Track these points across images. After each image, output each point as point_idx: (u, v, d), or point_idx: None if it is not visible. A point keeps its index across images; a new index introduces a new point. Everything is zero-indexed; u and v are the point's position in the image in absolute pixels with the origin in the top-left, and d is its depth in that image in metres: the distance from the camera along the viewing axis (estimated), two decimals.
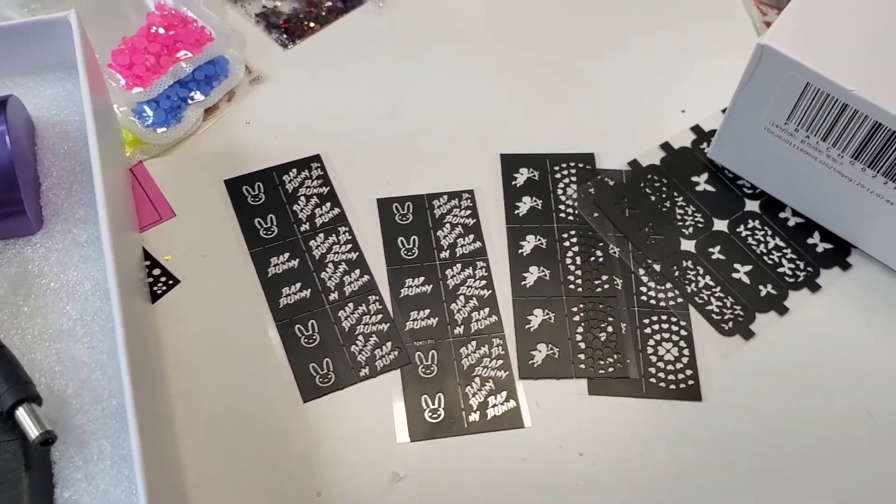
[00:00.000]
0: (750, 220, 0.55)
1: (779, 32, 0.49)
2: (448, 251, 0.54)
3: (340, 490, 0.46)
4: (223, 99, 0.59)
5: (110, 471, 0.38)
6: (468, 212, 0.55)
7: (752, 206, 0.56)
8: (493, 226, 0.55)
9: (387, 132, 0.58)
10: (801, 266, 0.53)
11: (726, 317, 0.52)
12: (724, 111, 0.60)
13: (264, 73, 0.61)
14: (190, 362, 0.49)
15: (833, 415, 0.48)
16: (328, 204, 0.55)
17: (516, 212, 0.55)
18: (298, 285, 0.52)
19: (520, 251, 0.54)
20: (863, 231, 0.53)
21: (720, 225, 0.55)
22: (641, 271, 0.53)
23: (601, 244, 0.54)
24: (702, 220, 0.55)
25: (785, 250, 0.54)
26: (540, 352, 0.50)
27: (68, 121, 0.47)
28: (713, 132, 0.59)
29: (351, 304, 0.51)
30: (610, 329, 0.51)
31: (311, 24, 0.63)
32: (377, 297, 0.52)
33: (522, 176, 0.57)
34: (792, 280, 0.53)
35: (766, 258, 0.54)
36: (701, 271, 0.53)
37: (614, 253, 0.54)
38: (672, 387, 0.49)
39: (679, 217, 0.55)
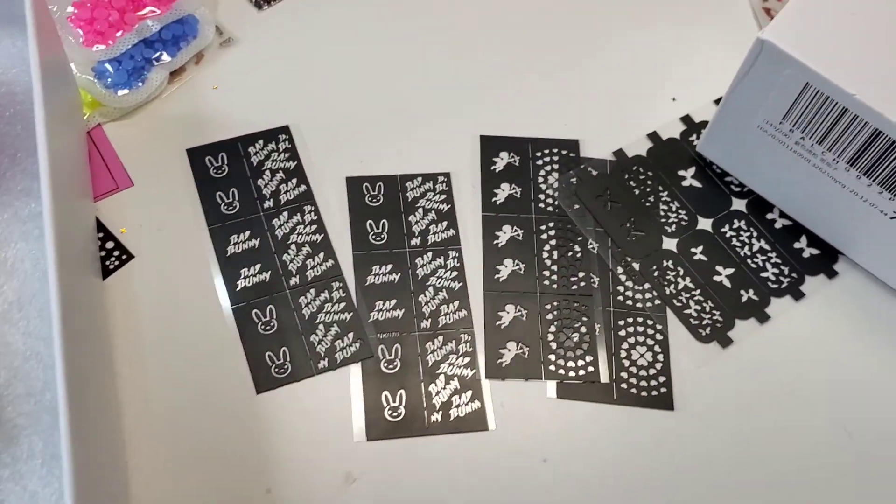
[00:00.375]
0: (736, 220, 0.53)
1: (780, 27, 0.46)
2: (419, 238, 0.51)
3: (290, 488, 0.43)
4: (190, 61, 0.56)
5: (40, 470, 0.35)
6: (443, 196, 0.52)
7: (738, 204, 0.53)
8: (468, 213, 0.52)
9: (362, 105, 0.55)
10: (786, 272, 0.51)
11: (704, 322, 0.49)
12: (716, 102, 0.57)
13: (235, 34, 0.57)
14: (139, 345, 0.46)
15: (809, 432, 0.46)
16: (294, 180, 0.52)
17: (493, 199, 0.53)
18: (258, 267, 0.49)
19: (495, 242, 0.51)
20: (853, 239, 0.50)
21: (704, 223, 0.53)
22: (620, 269, 0.51)
23: (580, 238, 0.51)
24: (686, 217, 0.53)
25: (770, 254, 0.52)
26: (509, 350, 0.48)
27: (16, 81, 0.44)
28: (704, 123, 0.56)
29: (313, 290, 0.49)
30: (583, 329, 0.49)
31: None
32: (341, 284, 0.49)
33: (502, 161, 0.54)
34: (775, 286, 0.51)
35: (749, 261, 0.51)
36: (681, 272, 0.51)
37: (593, 248, 0.51)
38: (644, 394, 0.47)
39: (663, 213, 0.53)
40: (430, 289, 0.49)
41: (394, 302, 0.49)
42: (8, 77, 0.44)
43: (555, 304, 0.49)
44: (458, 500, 0.44)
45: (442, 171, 0.53)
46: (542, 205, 0.52)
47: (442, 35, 0.58)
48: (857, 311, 0.50)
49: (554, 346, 0.48)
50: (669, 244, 0.52)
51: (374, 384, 0.46)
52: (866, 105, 0.44)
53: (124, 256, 0.49)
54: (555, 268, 0.50)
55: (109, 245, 0.49)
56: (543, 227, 0.52)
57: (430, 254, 0.50)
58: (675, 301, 0.50)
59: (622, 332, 0.49)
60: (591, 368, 0.47)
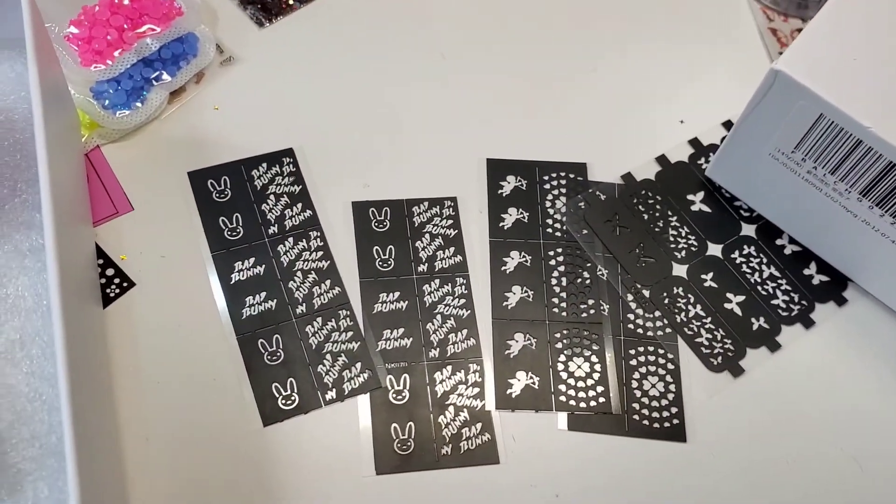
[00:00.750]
0: (745, 246, 0.52)
1: (795, 58, 0.45)
2: (426, 264, 0.50)
3: None
4: (191, 81, 0.55)
5: None
6: (450, 221, 0.51)
7: (748, 230, 0.53)
8: (475, 238, 0.51)
9: (366, 127, 0.54)
10: (796, 299, 0.51)
11: (716, 351, 0.49)
12: (724, 124, 0.57)
13: (237, 53, 0.56)
14: (140, 376, 0.45)
15: (820, 462, 0.46)
16: (300, 205, 0.51)
17: (501, 224, 0.52)
18: (263, 294, 0.48)
19: (503, 268, 0.50)
20: (863, 267, 0.50)
21: (714, 249, 0.52)
22: (630, 297, 0.50)
23: (589, 265, 0.51)
24: (695, 243, 0.52)
25: (780, 280, 0.51)
26: (519, 380, 0.47)
27: (15, 108, 0.43)
28: (712, 146, 0.56)
29: (319, 319, 0.48)
30: (594, 359, 0.48)
31: (291, 1, 0.59)
32: (348, 313, 0.48)
33: (509, 184, 0.53)
34: (786, 314, 0.50)
35: (759, 288, 0.51)
36: (692, 300, 0.50)
37: (602, 275, 0.50)
38: (656, 425, 0.47)
39: (672, 238, 0.52)
40: (438, 317, 0.49)
41: (402, 330, 0.48)
42: (7, 103, 0.42)
43: (564, 332, 0.49)
44: None
45: (448, 195, 0.52)
46: (550, 230, 0.52)
47: (448, 57, 0.57)
48: (866, 339, 0.50)
49: (564, 375, 0.47)
50: (679, 270, 0.51)
51: (383, 416, 0.46)
52: (881, 138, 0.43)
53: (125, 284, 0.48)
54: (564, 295, 0.50)
55: (110, 272, 0.48)
56: (552, 253, 0.51)
57: (437, 280, 0.50)
58: (686, 329, 0.49)
59: (633, 362, 0.48)
60: (602, 399, 0.47)
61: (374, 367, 0.47)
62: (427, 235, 0.51)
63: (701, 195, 0.54)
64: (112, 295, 0.47)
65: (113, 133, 0.52)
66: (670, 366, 0.48)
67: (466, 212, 0.52)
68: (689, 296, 0.50)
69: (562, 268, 0.50)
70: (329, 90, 0.55)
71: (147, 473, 0.43)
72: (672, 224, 0.53)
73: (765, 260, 0.52)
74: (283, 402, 0.46)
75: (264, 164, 0.52)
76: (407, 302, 0.49)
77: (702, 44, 0.60)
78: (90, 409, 0.37)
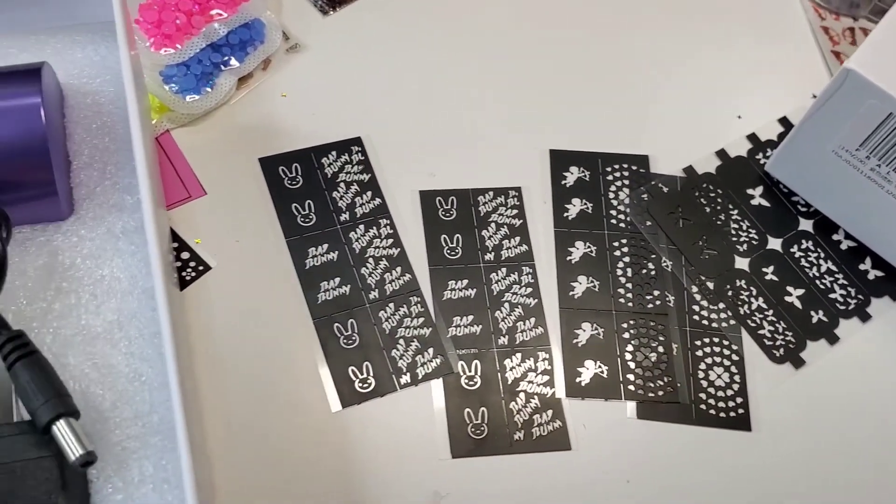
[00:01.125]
0: (803, 241, 0.53)
1: (866, 57, 0.46)
2: (493, 253, 0.51)
3: None
4: (258, 67, 0.55)
5: (152, 495, 0.35)
6: (514, 211, 0.52)
7: (805, 225, 0.54)
8: (539, 228, 0.52)
9: (431, 117, 0.55)
10: (853, 293, 0.52)
11: (778, 342, 0.50)
12: (780, 120, 0.57)
13: (302, 40, 0.57)
14: (219, 359, 0.46)
15: (880, 452, 0.47)
16: (369, 193, 0.52)
17: (565, 214, 0.53)
18: (338, 280, 0.49)
19: (568, 258, 0.51)
20: None
21: (774, 243, 0.53)
22: (694, 288, 0.51)
23: (653, 256, 0.52)
24: (756, 237, 0.53)
25: (837, 275, 0.52)
26: (588, 369, 0.48)
27: (101, 91, 0.43)
28: (769, 142, 0.56)
29: (392, 305, 0.49)
30: (661, 349, 0.49)
31: None
32: (419, 299, 0.49)
33: (573, 175, 0.54)
34: (843, 307, 0.51)
35: (818, 282, 0.52)
36: (754, 292, 0.51)
37: (667, 266, 0.51)
38: (722, 415, 0.47)
39: (734, 232, 0.53)
40: (506, 305, 0.49)
41: (471, 318, 0.49)
42: (93, 86, 0.43)
43: (631, 322, 0.49)
44: None
45: (513, 185, 0.53)
46: (613, 220, 0.52)
47: (513, 49, 0.58)
48: None
49: (632, 365, 0.48)
50: (741, 263, 0.52)
51: (456, 401, 0.46)
52: None
53: (201, 267, 0.48)
54: (629, 285, 0.51)
55: (185, 255, 0.48)
56: (616, 244, 0.52)
57: (504, 269, 0.50)
58: (749, 321, 0.50)
59: (699, 352, 0.49)
60: (670, 389, 0.48)
61: (445, 353, 0.48)
62: (493, 225, 0.52)
63: (760, 189, 0.55)
64: (188, 278, 0.48)
65: (182, 117, 0.53)
66: (735, 357, 0.49)
67: (531, 202, 0.53)
68: (752, 288, 0.51)
69: (627, 258, 0.51)
70: (394, 79, 0.56)
71: (226, 454, 0.43)
72: (733, 217, 0.53)
73: (822, 255, 0.53)
74: (360, 385, 0.46)
75: (334, 152, 0.53)
76: (475, 290, 0.50)
77: (756, 41, 0.60)
78: (188, 390, 0.37)
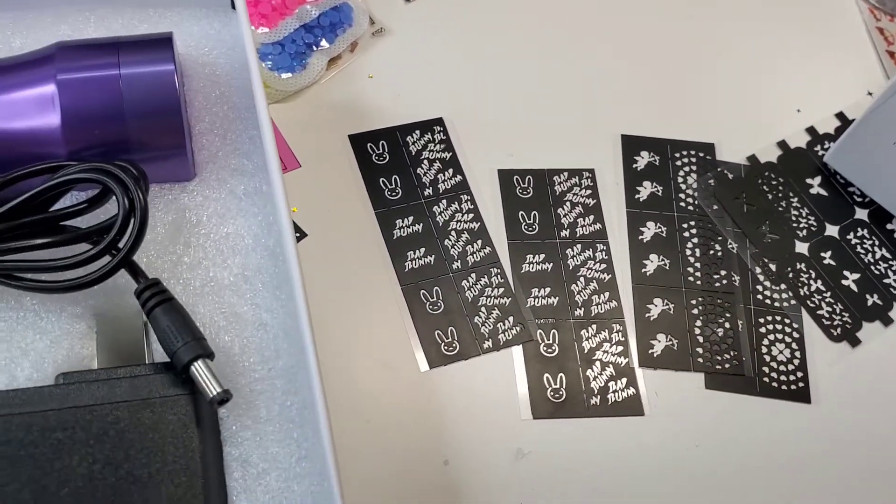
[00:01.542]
0: (859, 229, 0.56)
1: None
2: (568, 230, 0.54)
3: (466, 460, 0.46)
4: (346, 49, 0.58)
5: (278, 433, 0.38)
6: (588, 191, 0.55)
7: (861, 214, 0.57)
8: (612, 208, 0.55)
9: (508, 100, 0.58)
10: None
11: (835, 322, 0.53)
12: (837, 115, 0.60)
13: (387, 25, 0.60)
14: (315, 320, 0.49)
15: None
16: (451, 170, 0.55)
17: (636, 196, 0.55)
18: (423, 250, 0.52)
19: (640, 237, 0.54)
20: None
21: (832, 230, 0.56)
22: (758, 270, 0.54)
23: (720, 238, 0.54)
24: (815, 223, 0.56)
25: (892, 262, 0.55)
26: (659, 342, 0.51)
27: (216, 63, 0.46)
28: (827, 135, 0.59)
29: (473, 275, 0.52)
30: (727, 325, 0.52)
31: None
32: (499, 271, 0.52)
33: (643, 160, 0.57)
34: None
35: (873, 268, 0.55)
36: (813, 275, 0.54)
37: (732, 248, 0.54)
38: (784, 387, 0.50)
39: (794, 218, 0.56)
40: (581, 279, 0.52)
41: (548, 290, 0.52)
42: (210, 58, 0.46)
43: (700, 299, 0.52)
44: (622, 477, 0.47)
45: (586, 167, 0.56)
46: (682, 203, 0.55)
47: (588, 36, 0.61)
48: None
49: (701, 339, 0.51)
50: (801, 248, 0.55)
51: (536, 366, 0.49)
52: None
53: (297, 235, 0.51)
54: (698, 265, 0.53)
55: None
56: (685, 226, 0.55)
57: (579, 246, 0.53)
58: (808, 302, 0.53)
59: (762, 329, 0.52)
60: (735, 362, 0.51)
61: (525, 322, 0.50)
62: (568, 203, 0.55)
63: (818, 179, 0.58)
64: None
65: (277, 94, 0.56)
66: (795, 335, 0.52)
67: (604, 183, 0.55)
68: (811, 271, 0.54)
69: (695, 239, 0.54)
70: (473, 63, 0.59)
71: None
72: (793, 205, 0.56)
73: (877, 242, 0.56)
74: (446, 348, 0.49)
75: (417, 132, 0.56)
76: (552, 264, 0.53)
77: (815, 40, 0.63)
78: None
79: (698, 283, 0.53)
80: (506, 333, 0.50)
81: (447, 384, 0.48)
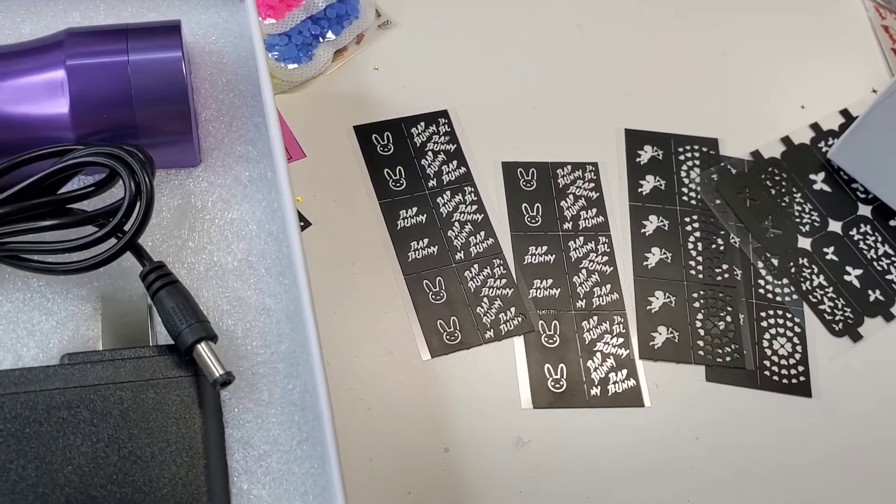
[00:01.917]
0: (862, 225, 0.56)
1: None
2: (571, 223, 0.54)
3: (466, 448, 0.47)
4: (352, 41, 0.59)
5: (280, 416, 0.38)
6: (591, 185, 0.55)
7: (864, 210, 0.57)
8: (615, 202, 0.55)
9: (513, 94, 0.58)
10: None
11: (837, 318, 0.53)
12: (841, 112, 0.60)
13: (393, 17, 0.60)
14: (318, 307, 0.49)
15: None
16: (455, 162, 0.55)
17: (639, 190, 0.56)
18: (426, 241, 0.52)
19: (642, 231, 0.54)
20: None
21: (834, 226, 0.56)
22: (760, 264, 0.54)
23: (722, 232, 0.55)
24: (818, 219, 0.56)
25: (894, 258, 0.55)
26: (660, 334, 0.51)
27: (223, 51, 0.46)
28: (831, 132, 0.59)
29: (476, 266, 0.52)
30: (728, 319, 0.52)
31: None
32: (501, 262, 0.52)
33: (646, 154, 0.57)
34: None
35: (875, 264, 0.55)
36: (815, 270, 0.54)
37: (734, 242, 0.54)
38: (784, 381, 0.51)
39: (797, 213, 0.56)
40: (584, 271, 0.53)
41: (550, 281, 0.52)
42: (217, 47, 0.46)
43: (701, 292, 0.53)
44: (621, 468, 0.47)
45: (590, 160, 0.56)
46: (685, 198, 0.56)
47: (591, 31, 0.61)
48: None
49: (702, 332, 0.51)
50: (804, 243, 0.55)
51: (537, 357, 0.50)
52: None
53: (301, 223, 0.52)
54: (700, 258, 0.54)
55: None
56: (688, 220, 0.55)
57: (581, 238, 0.54)
58: (810, 297, 0.53)
59: (763, 323, 0.52)
60: (736, 355, 0.51)
61: (526, 313, 0.51)
62: (571, 196, 0.55)
63: (822, 175, 0.58)
64: None
65: (283, 84, 0.56)
66: (797, 329, 0.52)
67: (607, 176, 0.56)
68: (813, 266, 0.54)
69: (697, 233, 0.54)
70: (477, 56, 0.59)
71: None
72: (797, 200, 0.57)
73: (880, 238, 0.56)
74: (448, 337, 0.49)
75: (422, 123, 0.56)
76: (554, 256, 0.53)
77: (819, 36, 0.64)
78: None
79: (700, 276, 0.53)
80: (508, 324, 0.50)
81: (448, 373, 0.49)
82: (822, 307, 0.53)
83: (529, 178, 0.55)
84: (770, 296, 0.53)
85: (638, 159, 0.57)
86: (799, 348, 0.52)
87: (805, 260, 0.54)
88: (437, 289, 0.51)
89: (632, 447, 0.48)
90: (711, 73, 0.61)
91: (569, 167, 0.56)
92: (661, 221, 0.55)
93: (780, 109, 0.60)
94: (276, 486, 0.37)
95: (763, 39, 0.63)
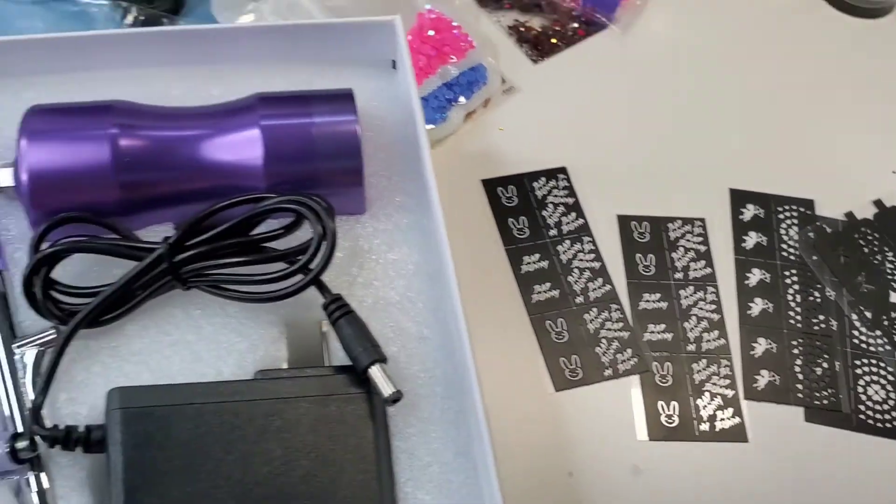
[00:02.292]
0: None
1: None
2: (682, 273, 0.59)
3: (588, 474, 0.52)
4: (480, 105, 0.65)
5: (438, 431, 0.44)
6: (700, 238, 0.61)
7: None
8: (721, 254, 0.60)
9: (625, 153, 0.64)
10: None
11: None
12: None
13: (516, 84, 0.67)
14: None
15: None
16: (573, 214, 0.61)
17: (743, 244, 0.61)
18: (548, 285, 0.58)
19: (746, 282, 0.59)
20: None
21: None
22: (854, 316, 0.58)
23: (819, 286, 0.59)
24: None
25: None
26: (763, 377, 0.56)
27: (384, 116, 0.53)
28: None
29: (595, 309, 0.57)
30: (825, 365, 0.56)
31: (557, 42, 0.69)
32: (618, 307, 0.58)
33: (749, 212, 0.62)
34: None
35: None
36: None
37: (830, 296, 0.59)
38: (879, 425, 0.55)
39: (889, 271, 0.61)
40: (693, 318, 0.58)
41: (663, 326, 0.57)
42: (379, 111, 0.53)
43: (800, 340, 0.57)
44: (727, 497, 0.52)
45: (698, 216, 0.62)
46: (784, 253, 0.61)
47: (700, 94, 0.67)
48: None
49: (801, 376, 0.56)
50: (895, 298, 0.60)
51: (651, 394, 0.55)
52: None
53: None
54: (798, 309, 0.58)
55: None
56: (787, 273, 0.60)
57: (691, 287, 0.59)
58: None
59: (858, 371, 0.56)
60: (833, 399, 0.55)
61: (642, 354, 0.56)
62: (681, 248, 0.60)
63: None
64: None
65: None
66: (890, 377, 0.56)
67: (713, 231, 0.61)
68: None
69: (796, 286, 0.59)
70: (591, 119, 0.66)
71: None
72: (888, 258, 0.61)
73: None
74: (570, 374, 0.55)
75: (543, 178, 0.62)
76: (667, 303, 0.58)
77: None
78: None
79: (799, 325, 0.58)
80: (624, 364, 0.56)
81: (571, 405, 0.54)
82: None
83: (643, 230, 0.61)
84: (864, 346, 0.57)
85: (741, 216, 0.62)
86: (892, 395, 0.56)
87: None
88: (560, 329, 0.56)
89: (737, 479, 0.53)
90: (809, 138, 0.66)
91: (679, 221, 0.61)
92: (763, 274, 0.60)
93: (872, 173, 0.65)
94: (437, 493, 0.43)
95: (856, 108, 0.68)
